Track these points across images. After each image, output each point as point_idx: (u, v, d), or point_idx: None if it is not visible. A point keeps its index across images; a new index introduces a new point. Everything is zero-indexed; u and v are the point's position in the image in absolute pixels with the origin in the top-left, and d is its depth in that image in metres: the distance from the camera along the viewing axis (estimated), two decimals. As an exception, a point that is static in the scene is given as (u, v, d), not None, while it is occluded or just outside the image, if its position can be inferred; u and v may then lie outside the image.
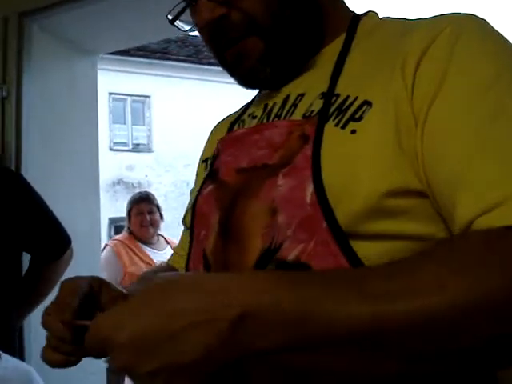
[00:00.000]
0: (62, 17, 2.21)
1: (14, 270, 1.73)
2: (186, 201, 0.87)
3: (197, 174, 0.88)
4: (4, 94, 2.16)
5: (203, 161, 0.85)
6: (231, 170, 0.70)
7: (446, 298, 0.43)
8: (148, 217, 3.40)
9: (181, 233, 0.91)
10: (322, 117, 0.63)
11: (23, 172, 2.11)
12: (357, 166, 0.57)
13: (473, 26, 0.60)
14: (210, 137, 0.91)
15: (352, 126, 0.60)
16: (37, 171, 2.18)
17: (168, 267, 0.89)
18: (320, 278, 0.49)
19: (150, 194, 3.64)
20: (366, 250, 0.56)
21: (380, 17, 0.75)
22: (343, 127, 0.61)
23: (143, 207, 3.41)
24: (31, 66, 2.23)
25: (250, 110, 0.81)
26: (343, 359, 0.47)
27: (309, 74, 0.72)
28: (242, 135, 0.73)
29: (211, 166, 0.77)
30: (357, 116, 0.61)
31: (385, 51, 0.64)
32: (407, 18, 0.71)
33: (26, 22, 2.21)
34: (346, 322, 0.44)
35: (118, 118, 11.92)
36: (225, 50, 0.71)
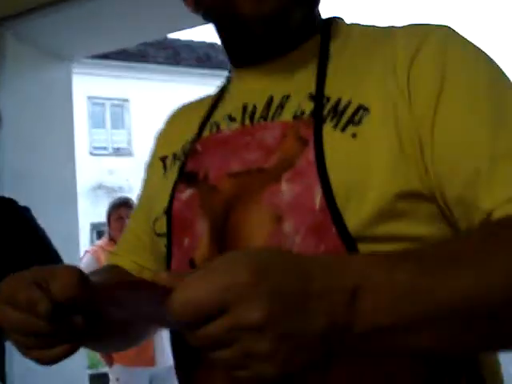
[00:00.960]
0: (36, 23, 2.20)
1: None
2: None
3: (149, 174, 0.84)
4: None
5: (161, 158, 0.79)
6: (222, 175, 0.66)
7: None
8: (127, 221, 3.38)
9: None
10: (317, 119, 0.62)
11: (1, 178, 2.10)
12: (364, 171, 0.58)
13: (453, 35, 0.63)
14: (163, 132, 0.86)
15: (352, 129, 0.60)
16: (12, 178, 2.16)
17: (113, 268, 0.82)
18: (423, 253, 0.51)
19: (130, 198, 3.63)
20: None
21: (347, 23, 0.76)
22: (343, 130, 0.61)
23: (123, 212, 3.40)
24: (5, 73, 2.22)
25: (221, 111, 0.75)
26: (439, 334, 0.49)
27: (290, 74, 0.70)
28: (229, 137, 0.69)
29: (182, 168, 0.72)
30: (355, 120, 0.61)
31: (367, 55, 0.66)
32: (376, 25, 0.73)
33: (0, 29, 2.20)
34: (455, 294, 0.47)
35: (97, 123, 11.85)
36: None
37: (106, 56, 10.62)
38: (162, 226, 0.71)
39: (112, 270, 0.81)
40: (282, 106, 0.67)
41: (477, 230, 0.55)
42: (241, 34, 0.69)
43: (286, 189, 0.60)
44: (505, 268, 0.48)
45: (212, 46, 13.03)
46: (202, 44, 12.81)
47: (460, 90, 0.59)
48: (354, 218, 0.57)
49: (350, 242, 0.57)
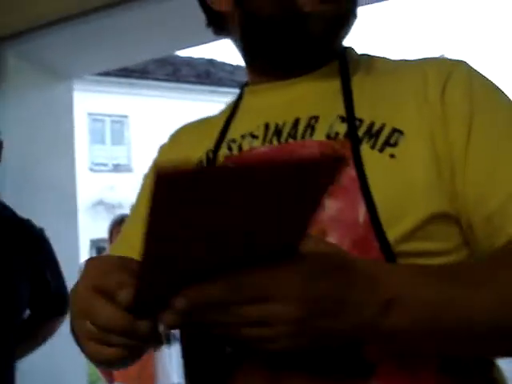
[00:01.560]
0: (38, 42, 2.22)
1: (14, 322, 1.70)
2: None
3: (142, 193, 0.84)
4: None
5: None
6: None
7: None
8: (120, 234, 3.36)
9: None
10: (354, 139, 0.65)
11: (1, 194, 2.11)
12: (404, 189, 0.62)
13: (472, 69, 0.70)
14: (168, 148, 0.86)
15: (389, 150, 0.64)
16: (13, 194, 2.17)
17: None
18: (451, 271, 0.57)
19: None
20: None
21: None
22: (380, 151, 0.64)
23: None
24: (7, 91, 2.24)
25: (238, 128, 0.76)
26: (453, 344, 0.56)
27: (313, 95, 0.73)
28: (265, 154, 0.71)
29: None
30: (391, 142, 0.64)
31: (392, 82, 0.71)
32: (385, 57, 0.78)
33: (1, 47, 2.22)
34: (474, 314, 0.53)
35: (97, 139, 11.89)
36: None
37: (106, 73, 10.68)
38: None
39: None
40: (311, 127, 0.69)
41: (502, 256, 0.60)
42: (293, 34, 0.71)
43: (329, 204, 0.62)
44: None
45: (212, 62, 13.12)
46: (202, 60, 12.89)
47: (490, 118, 0.65)
48: (395, 233, 0.60)
49: (390, 256, 0.60)
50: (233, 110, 0.81)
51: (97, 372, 4.29)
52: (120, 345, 0.51)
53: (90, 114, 11.33)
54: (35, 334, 1.81)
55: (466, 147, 0.63)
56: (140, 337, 0.50)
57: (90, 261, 0.56)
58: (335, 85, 0.72)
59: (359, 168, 0.62)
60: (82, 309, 0.53)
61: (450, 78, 0.67)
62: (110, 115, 11.94)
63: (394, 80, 0.71)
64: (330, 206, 0.62)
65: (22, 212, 1.83)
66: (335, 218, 0.61)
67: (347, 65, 0.74)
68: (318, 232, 0.61)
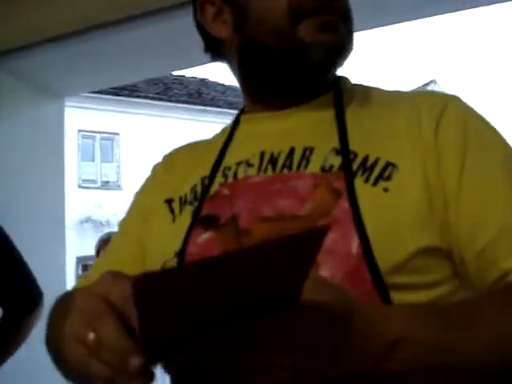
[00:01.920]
0: (29, 60, 2.23)
1: None
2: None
3: (133, 216, 0.83)
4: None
5: (166, 201, 0.78)
6: (254, 218, 0.67)
7: None
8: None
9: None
10: (348, 172, 0.66)
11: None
12: (397, 223, 0.63)
13: (466, 104, 0.72)
14: (162, 169, 0.85)
15: (383, 184, 0.65)
16: (1, 212, 2.16)
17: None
18: (448, 312, 0.58)
19: None
20: (401, 300, 0.62)
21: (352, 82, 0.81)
22: (374, 185, 0.65)
23: None
24: (-2, 108, 2.24)
25: (233, 156, 0.76)
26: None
27: (308, 126, 0.74)
28: (260, 183, 0.71)
29: (197, 211, 0.72)
30: (385, 175, 0.66)
31: (386, 115, 0.72)
32: (379, 87, 0.80)
33: (-6, 64, 2.23)
34: (473, 352, 0.54)
35: (86, 156, 11.85)
36: (321, 12, 0.71)
37: (97, 90, 10.69)
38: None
39: None
40: (306, 158, 0.70)
41: (496, 293, 0.61)
42: (293, 63, 0.72)
43: None
44: None
45: (203, 81, 13.16)
46: (194, 80, 12.94)
47: (483, 155, 0.67)
48: (386, 266, 0.61)
49: (382, 288, 0.60)
50: (229, 136, 0.81)
51: None
52: (109, 365, 0.48)
53: (79, 131, 11.31)
54: (8, 337, 1.78)
55: (458, 182, 0.65)
56: (130, 372, 0.47)
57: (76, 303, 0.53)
58: (330, 115, 0.73)
59: (353, 201, 0.63)
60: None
61: (444, 114, 0.69)
62: (100, 132, 11.92)
63: (388, 112, 0.72)
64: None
65: (9, 227, 1.83)
66: (328, 250, 0.60)
67: (341, 95, 0.75)
68: None
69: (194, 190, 0.76)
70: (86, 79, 2.49)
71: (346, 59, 0.75)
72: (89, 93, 9.86)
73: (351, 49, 0.75)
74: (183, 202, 0.76)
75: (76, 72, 2.39)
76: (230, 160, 0.76)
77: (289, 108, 0.76)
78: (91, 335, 0.49)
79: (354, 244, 0.61)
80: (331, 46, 0.71)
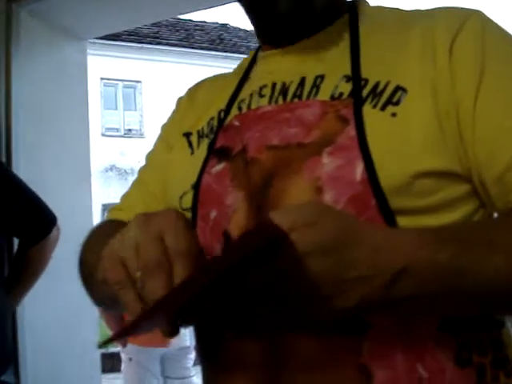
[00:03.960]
0: (51, 2, 2.19)
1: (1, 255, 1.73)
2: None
3: (158, 150, 0.86)
4: (-7, 79, 2.15)
5: (184, 134, 0.81)
6: (261, 147, 0.68)
7: None
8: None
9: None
10: (357, 99, 0.65)
11: (14, 157, 2.11)
12: (404, 148, 0.61)
13: (488, 20, 0.67)
14: (186, 102, 0.88)
15: (391, 109, 0.63)
16: (27, 158, 2.17)
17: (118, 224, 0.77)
18: (461, 234, 0.56)
19: None
20: (410, 226, 0.60)
21: (371, 5, 0.78)
22: (382, 109, 0.63)
23: None
24: (20, 52, 2.21)
25: (248, 89, 0.77)
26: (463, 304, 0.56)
27: (320, 54, 0.73)
28: (268, 113, 0.71)
29: (212, 144, 0.74)
30: (394, 100, 0.63)
31: (402, 36, 0.68)
32: (399, 8, 0.76)
33: (14, 7, 2.19)
34: (484, 276, 0.53)
35: (109, 104, 11.87)
36: None
37: (118, 37, 10.60)
38: (188, 201, 0.72)
39: (116, 225, 0.77)
40: (317, 86, 0.69)
41: (509, 215, 0.60)
42: (267, 13, 0.72)
43: (328, 161, 0.62)
44: None
45: (225, 27, 12.96)
46: (215, 25, 12.74)
47: (501, 75, 0.63)
48: (391, 189, 0.59)
49: (388, 214, 0.59)
50: (245, 73, 0.82)
51: (108, 334, 4.36)
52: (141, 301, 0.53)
53: (102, 79, 11.28)
54: (26, 265, 1.81)
55: (473, 105, 0.62)
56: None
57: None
58: (344, 42, 0.72)
59: (359, 127, 0.62)
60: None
61: (462, 29, 0.64)
62: (122, 80, 11.88)
63: (403, 35, 0.68)
64: (328, 164, 0.62)
65: (35, 176, 1.83)
66: (332, 176, 0.61)
67: (357, 19, 0.73)
68: (314, 190, 0.61)
69: (210, 123, 0.78)
70: (107, 20, 2.45)
71: None
72: (110, 40, 9.79)
73: None
74: (200, 135, 0.78)
75: (97, 13, 2.35)
76: (244, 93, 0.77)
77: (300, 41, 0.74)
78: (138, 273, 0.53)
79: (359, 169, 0.60)
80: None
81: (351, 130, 0.62)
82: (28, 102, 2.25)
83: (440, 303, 0.55)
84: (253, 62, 0.82)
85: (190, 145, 0.79)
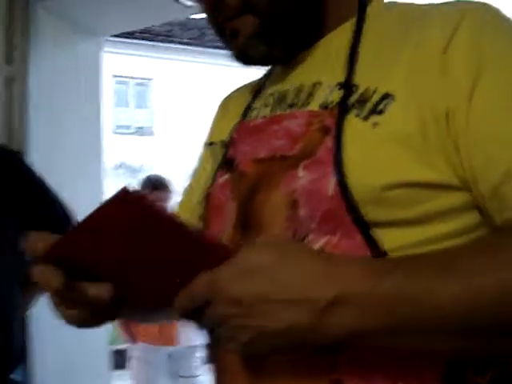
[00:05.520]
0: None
1: (14, 253, 1.72)
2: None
3: (200, 159, 0.87)
4: (10, 75, 2.16)
5: (209, 144, 0.83)
6: (249, 160, 0.69)
7: None
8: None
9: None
10: (342, 108, 0.63)
11: (28, 152, 2.12)
12: (378, 158, 0.59)
13: (491, 14, 0.62)
14: (215, 118, 0.89)
15: (374, 118, 0.60)
16: (42, 151, 2.18)
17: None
18: (408, 263, 0.54)
19: (166, 180, 3.54)
20: (389, 240, 0.59)
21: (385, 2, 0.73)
22: (365, 119, 0.61)
23: (161, 195, 3.35)
24: (37, 48, 2.22)
25: (262, 97, 0.77)
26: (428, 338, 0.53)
27: (321, 61, 0.71)
28: (261, 125, 0.71)
29: (225, 153, 0.75)
30: (378, 109, 0.60)
31: (399, 39, 0.64)
32: (414, 3, 0.70)
33: (32, 3, 2.20)
34: (445, 299, 0.50)
35: (120, 101, 11.90)
36: (222, 25, 0.71)
37: (131, 35, 10.62)
38: (201, 210, 0.75)
39: None
40: (311, 94, 0.68)
41: (493, 237, 0.57)
42: (246, 63, 0.74)
43: (302, 175, 0.61)
44: (498, 281, 0.50)
45: (237, 27, 12.93)
46: (228, 25, 12.71)
47: (496, 81, 0.58)
48: (363, 201, 0.58)
49: (364, 227, 0.58)
50: (265, 78, 0.82)
51: (116, 332, 4.37)
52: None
53: (114, 76, 11.31)
54: None
55: (467, 111, 0.57)
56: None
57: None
58: (344, 48, 0.68)
59: (338, 138, 0.60)
60: None
61: (458, 30, 0.59)
62: (133, 78, 11.91)
63: (401, 36, 0.64)
64: (303, 178, 0.61)
65: (47, 171, 1.83)
66: (306, 190, 0.60)
67: (362, 24, 0.69)
68: (290, 204, 0.61)
69: (230, 134, 0.78)
70: (124, 18, 2.46)
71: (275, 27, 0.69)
72: (123, 38, 9.81)
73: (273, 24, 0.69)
74: (222, 146, 0.79)
75: (114, 10, 2.36)
76: (258, 103, 0.78)
77: (302, 51, 0.73)
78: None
79: (331, 183, 0.59)
80: (244, 53, 0.71)
81: (329, 142, 0.61)
82: (44, 97, 2.26)
83: (407, 338, 0.53)
84: (272, 69, 0.81)
85: (213, 154, 0.80)
